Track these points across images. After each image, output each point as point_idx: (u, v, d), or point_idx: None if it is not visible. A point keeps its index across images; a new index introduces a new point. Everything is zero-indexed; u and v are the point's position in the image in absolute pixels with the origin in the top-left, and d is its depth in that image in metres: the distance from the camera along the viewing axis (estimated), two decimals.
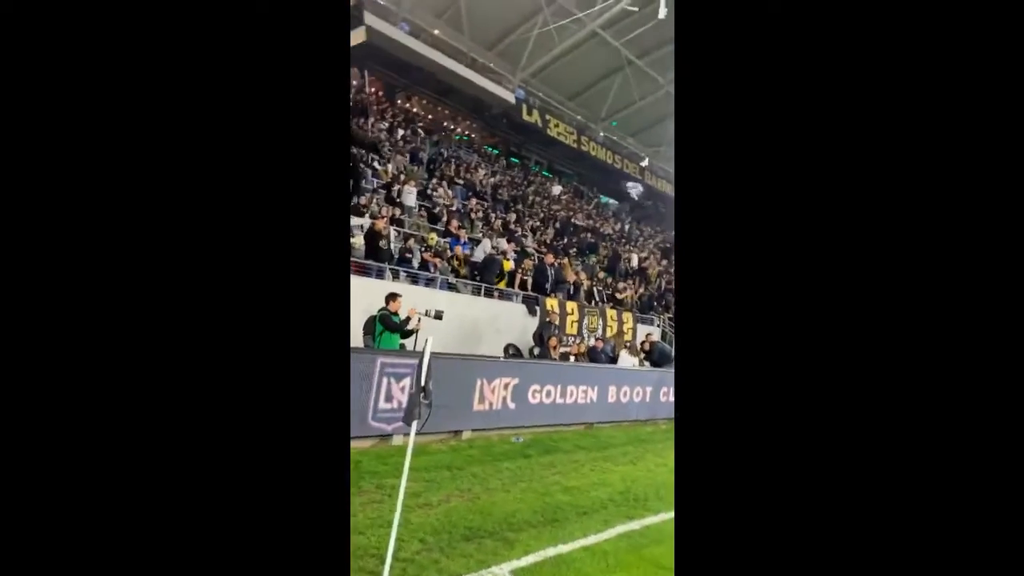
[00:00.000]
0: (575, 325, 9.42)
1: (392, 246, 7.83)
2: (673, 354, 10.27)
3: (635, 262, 14.71)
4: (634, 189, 21.88)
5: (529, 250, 10.86)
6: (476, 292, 8.40)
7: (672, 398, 8.66)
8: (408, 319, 5.60)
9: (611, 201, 22.02)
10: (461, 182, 12.78)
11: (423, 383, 2.59)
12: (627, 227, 19.10)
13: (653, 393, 8.34)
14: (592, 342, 8.99)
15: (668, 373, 8.96)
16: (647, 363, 9.15)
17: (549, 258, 10.47)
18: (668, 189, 22.30)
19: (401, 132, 13.62)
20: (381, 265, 7.22)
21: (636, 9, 14.96)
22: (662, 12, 13.74)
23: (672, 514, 4.16)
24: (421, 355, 2.63)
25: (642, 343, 9.86)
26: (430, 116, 16.90)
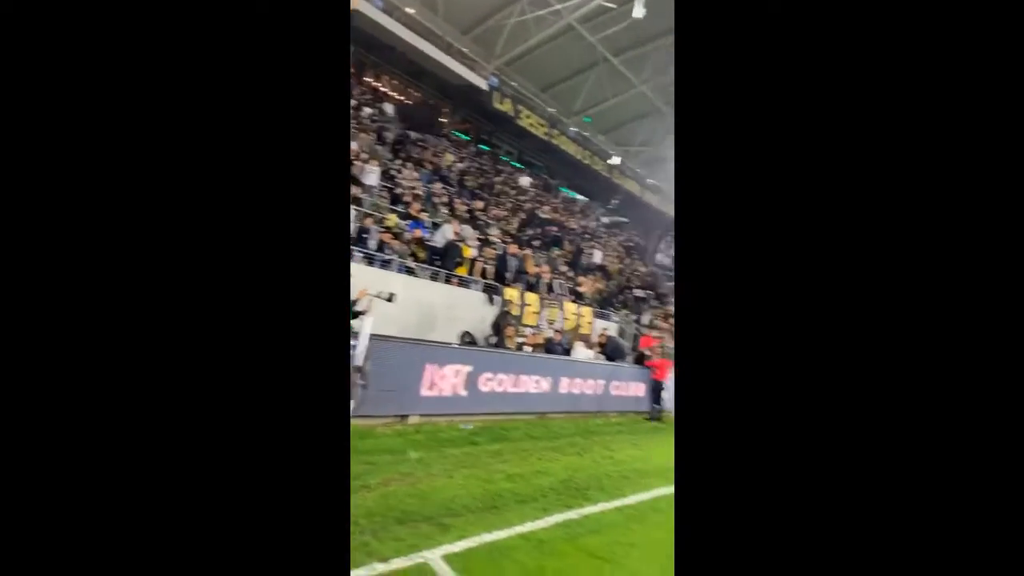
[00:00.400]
0: (534, 316, 9.43)
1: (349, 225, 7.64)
2: (626, 349, 10.41)
3: (598, 258, 14.82)
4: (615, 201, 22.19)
5: (493, 239, 10.80)
6: (434, 277, 8.29)
7: (623, 392, 8.78)
8: (358, 300, 5.47)
9: (579, 197, 22.13)
10: (428, 165, 12.59)
11: (360, 363, 2.51)
12: (594, 224, 19.23)
13: (605, 386, 8.43)
14: (550, 334, 9.02)
15: (620, 367, 9.08)
16: (602, 356, 9.24)
17: (512, 248, 10.44)
18: (636, 189, 22.52)
19: (368, 110, 13.30)
20: None
21: (614, 6, 14.99)
22: (637, 11, 13.78)
23: (611, 504, 4.21)
24: (359, 335, 2.55)
25: (599, 337, 9.96)
26: (400, 96, 16.56)
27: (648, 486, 4.92)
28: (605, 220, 20.85)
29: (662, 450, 6.75)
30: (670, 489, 4.98)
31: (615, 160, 21.48)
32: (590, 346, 9.32)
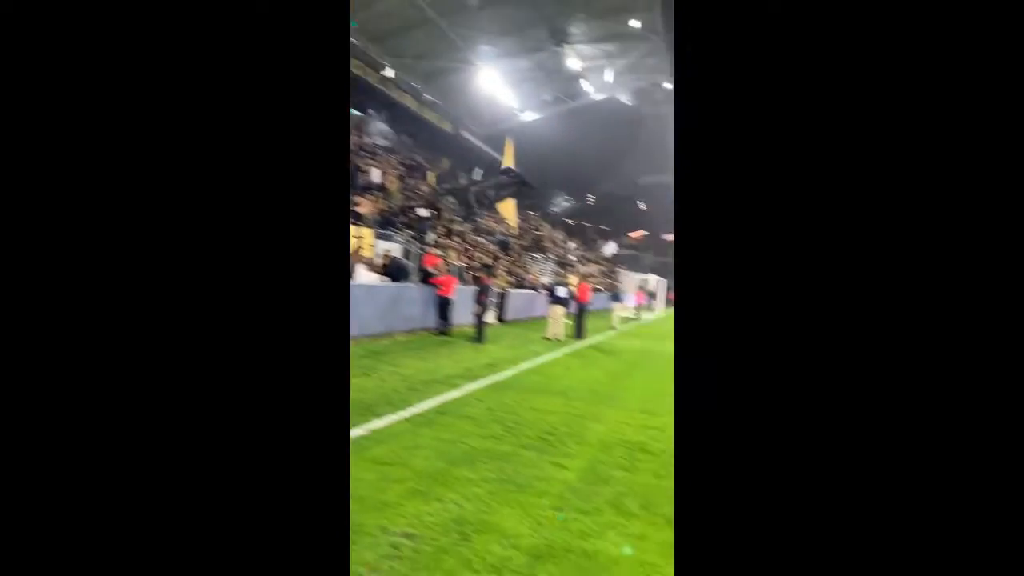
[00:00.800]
0: None
1: None
2: (410, 269, 10.49)
3: (376, 177, 14.31)
4: (372, 103, 20.89)
5: None
6: None
7: (409, 312, 8.90)
8: None
9: (353, 112, 20.71)
10: None
11: None
12: (369, 141, 18.33)
13: (388, 308, 8.44)
14: None
15: (405, 288, 9.14)
16: (386, 279, 9.17)
17: None
18: (414, 105, 21.92)
19: None
20: None
21: None
22: None
23: (399, 415, 4.32)
24: None
25: (382, 259, 9.80)
26: None
27: (435, 393, 5.16)
28: (381, 141, 20.01)
29: (449, 360, 7.12)
30: (457, 393, 5.30)
31: (389, 72, 20.45)
32: (373, 269, 9.14)
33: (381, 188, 13.89)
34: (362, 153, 16.03)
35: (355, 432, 3.77)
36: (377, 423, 4.04)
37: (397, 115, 21.78)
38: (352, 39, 18.93)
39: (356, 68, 18.60)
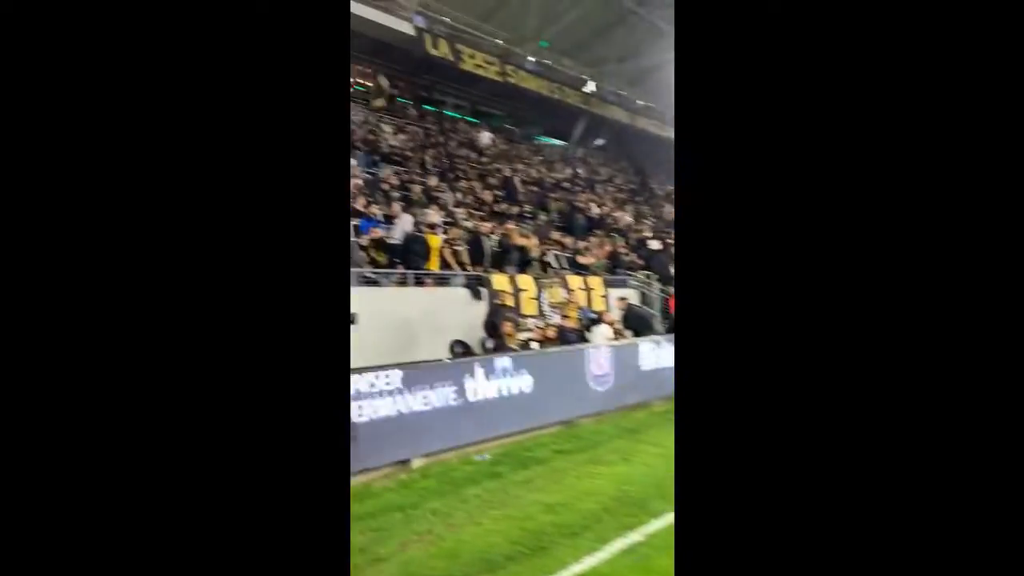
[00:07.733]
0: (533, 303, 9.48)
1: None
2: (652, 319, 10.50)
3: (596, 212, 14.87)
4: (577, 128, 21.95)
5: (462, 218, 10.80)
6: (403, 282, 8.30)
7: (662, 374, 8.86)
8: None
9: (554, 142, 22.08)
10: (363, 147, 12.52)
11: None
12: (579, 171, 19.25)
13: (636, 370, 8.51)
14: (558, 319, 9.08)
15: (654, 343, 9.12)
16: (626, 333, 9.32)
17: (487, 226, 10.44)
18: (621, 115, 22.50)
19: None
20: None
21: None
22: None
23: None
24: None
25: (618, 303, 10.01)
26: None
27: None
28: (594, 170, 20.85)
29: None
30: None
31: (590, 87, 21.41)
32: (609, 323, 9.39)
33: (601, 226, 14.37)
34: (574, 187, 16.88)
35: (630, 538, 3.86)
36: (655, 524, 4.08)
37: (605, 132, 22.54)
38: (545, 61, 20.39)
39: (553, 92, 19.81)
